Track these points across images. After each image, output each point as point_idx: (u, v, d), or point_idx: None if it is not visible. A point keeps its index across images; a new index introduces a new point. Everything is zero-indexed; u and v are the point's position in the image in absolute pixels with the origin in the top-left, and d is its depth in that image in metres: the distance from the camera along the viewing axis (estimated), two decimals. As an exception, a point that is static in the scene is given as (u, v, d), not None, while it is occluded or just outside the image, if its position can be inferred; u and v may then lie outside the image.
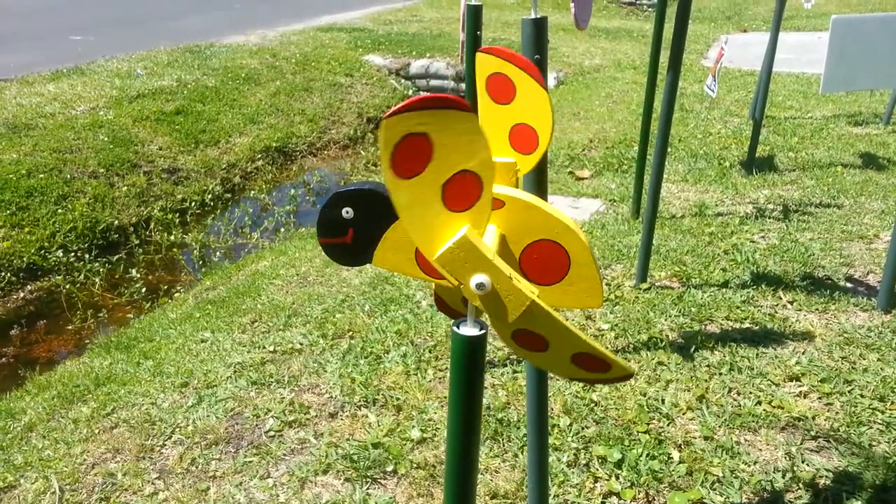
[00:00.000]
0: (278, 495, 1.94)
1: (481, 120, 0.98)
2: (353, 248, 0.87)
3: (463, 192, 0.76)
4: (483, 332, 0.85)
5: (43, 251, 4.43)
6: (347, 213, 0.85)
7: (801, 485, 1.83)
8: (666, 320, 2.64)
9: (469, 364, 0.88)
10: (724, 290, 2.85)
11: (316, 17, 12.07)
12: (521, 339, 0.80)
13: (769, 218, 3.61)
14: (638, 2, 14.16)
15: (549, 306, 0.77)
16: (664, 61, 2.79)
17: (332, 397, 2.35)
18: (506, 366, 2.43)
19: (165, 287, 4.30)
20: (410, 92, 8.76)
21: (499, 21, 11.24)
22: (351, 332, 2.75)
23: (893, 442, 1.97)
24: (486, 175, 0.76)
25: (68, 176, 5.16)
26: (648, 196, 2.80)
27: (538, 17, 1.18)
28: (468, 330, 0.85)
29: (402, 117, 0.71)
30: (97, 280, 4.31)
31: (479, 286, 0.75)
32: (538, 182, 1.35)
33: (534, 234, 0.83)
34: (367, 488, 1.94)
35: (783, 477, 1.86)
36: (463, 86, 8.86)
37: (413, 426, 2.16)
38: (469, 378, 0.90)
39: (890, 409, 2.10)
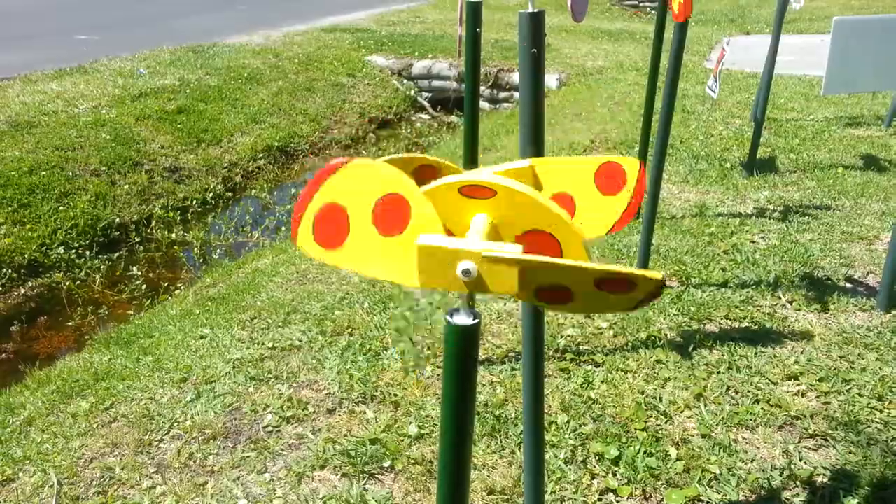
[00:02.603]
0: (275, 490, 1.94)
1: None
2: None
3: (392, 216, 0.81)
4: (476, 321, 0.85)
5: (44, 248, 4.44)
6: None
7: (798, 482, 1.83)
8: (665, 319, 2.64)
9: (462, 354, 0.88)
10: (723, 289, 2.85)
11: (319, 18, 12.08)
12: (545, 296, 0.78)
13: (769, 219, 3.61)
14: (641, 4, 14.16)
15: (540, 257, 0.75)
16: (665, 63, 2.80)
17: (330, 393, 2.35)
18: (504, 363, 2.43)
19: (166, 284, 4.31)
20: (412, 92, 8.77)
21: (502, 22, 11.25)
22: (350, 329, 2.76)
23: (891, 441, 1.97)
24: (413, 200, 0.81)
25: (70, 173, 5.17)
26: (648, 196, 2.80)
27: (535, 10, 1.18)
28: (461, 319, 0.85)
29: (304, 214, 0.79)
30: (98, 277, 4.32)
31: (466, 272, 0.75)
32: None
33: (525, 223, 0.83)
34: (365, 483, 1.94)
35: (780, 475, 1.86)
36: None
37: (411, 422, 2.16)
38: (463, 368, 0.90)
39: (888, 409, 2.10)
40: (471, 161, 2.29)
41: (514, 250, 0.74)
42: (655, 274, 0.69)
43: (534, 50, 1.19)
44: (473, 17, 1.96)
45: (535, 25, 1.18)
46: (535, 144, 1.26)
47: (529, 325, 1.44)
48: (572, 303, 0.77)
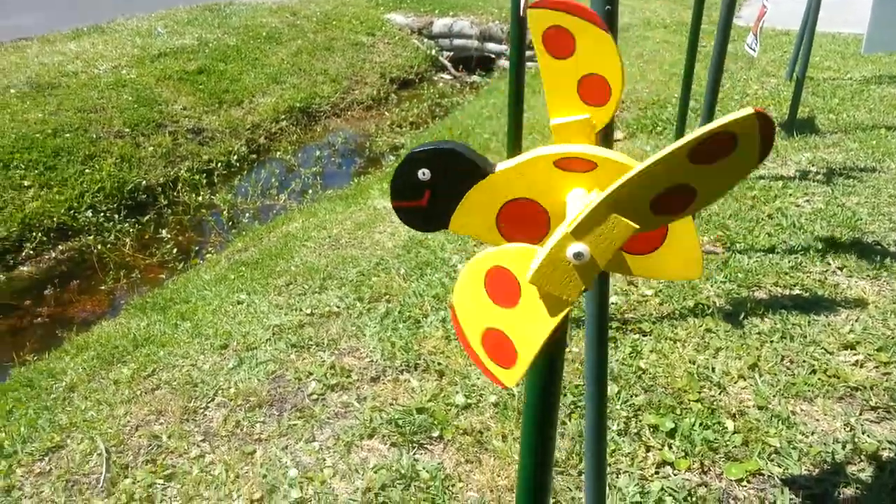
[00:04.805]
0: (325, 459, 1.92)
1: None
2: (428, 212, 0.82)
3: (596, 91, 0.86)
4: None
5: (72, 211, 4.42)
6: (424, 174, 0.79)
7: (863, 457, 1.79)
8: (712, 286, 2.57)
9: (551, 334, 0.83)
10: (770, 255, 2.78)
11: (335, -26, 11.80)
12: (665, 207, 0.67)
13: (813, 181, 3.51)
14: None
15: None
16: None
17: (372, 361, 2.32)
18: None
19: (196, 248, 4.29)
20: (433, 52, 8.60)
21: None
22: (387, 296, 2.72)
23: (956, 414, 1.91)
24: (615, 82, 0.86)
25: (94, 135, 5.12)
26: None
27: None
28: None
29: (547, 12, 0.83)
30: (127, 240, 4.30)
31: (577, 255, 0.68)
32: (605, 138, 1.28)
33: None
34: (414, 453, 1.91)
35: (843, 448, 1.81)
36: (488, 45, 8.68)
37: (457, 392, 2.13)
38: (550, 349, 0.85)
39: (950, 380, 2.04)
40: (515, 126, 2.22)
41: (594, 199, 0.65)
42: (744, 111, 0.58)
43: (608, 7, 1.11)
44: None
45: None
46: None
47: (595, 292, 1.37)
48: (698, 198, 0.67)
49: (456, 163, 0.81)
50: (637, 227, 0.65)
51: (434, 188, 0.82)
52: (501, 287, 0.74)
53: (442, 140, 0.84)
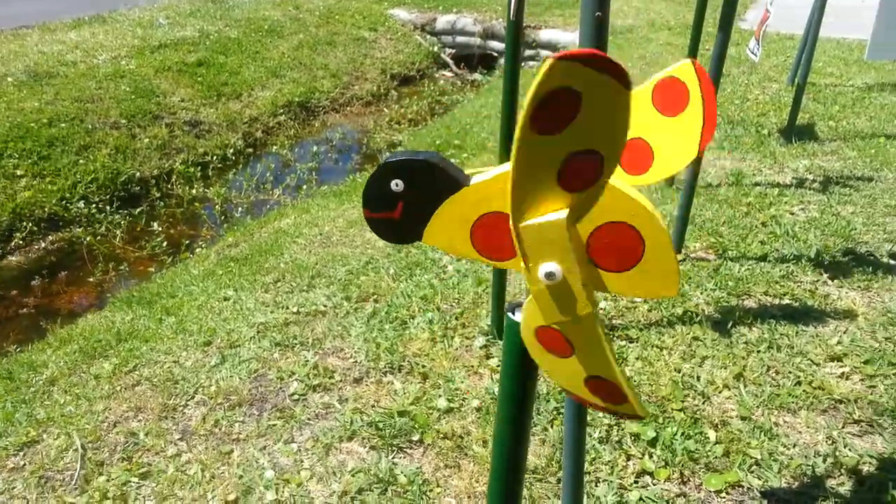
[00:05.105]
0: (302, 461, 1.90)
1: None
2: (401, 224, 0.79)
3: (581, 171, 0.67)
4: None
5: (64, 202, 4.40)
6: (397, 185, 0.77)
7: (843, 470, 1.76)
8: (702, 294, 2.55)
9: (523, 353, 0.81)
10: (762, 263, 2.75)
11: (340, -32, 11.77)
12: (545, 337, 0.72)
13: (809, 189, 3.48)
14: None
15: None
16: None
17: (356, 362, 2.30)
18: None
19: (187, 241, 4.27)
20: (435, 48, 8.56)
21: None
22: (375, 296, 2.70)
23: (941, 430, 1.89)
24: (610, 159, 0.67)
25: (90, 126, 5.10)
26: (689, 165, 2.68)
27: (602, -33, 1.07)
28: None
29: (569, 65, 0.61)
30: (118, 232, 4.28)
31: (549, 275, 0.67)
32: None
33: (606, 215, 0.75)
34: (393, 457, 1.89)
35: (824, 461, 1.79)
36: (491, 43, 8.65)
37: (440, 395, 2.11)
38: (522, 368, 0.83)
39: (937, 395, 2.01)
40: (508, 129, 2.19)
41: (593, 303, 0.73)
42: (643, 411, 0.70)
43: (598, 13, 1.08)
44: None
45: (601, -16, 1.07)
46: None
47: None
48: (566, 359, 0.75)
49: (430, 174, 0.78)
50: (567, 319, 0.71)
51: (407, 200, 0.80)
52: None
53: (417, 151, 0.81)
